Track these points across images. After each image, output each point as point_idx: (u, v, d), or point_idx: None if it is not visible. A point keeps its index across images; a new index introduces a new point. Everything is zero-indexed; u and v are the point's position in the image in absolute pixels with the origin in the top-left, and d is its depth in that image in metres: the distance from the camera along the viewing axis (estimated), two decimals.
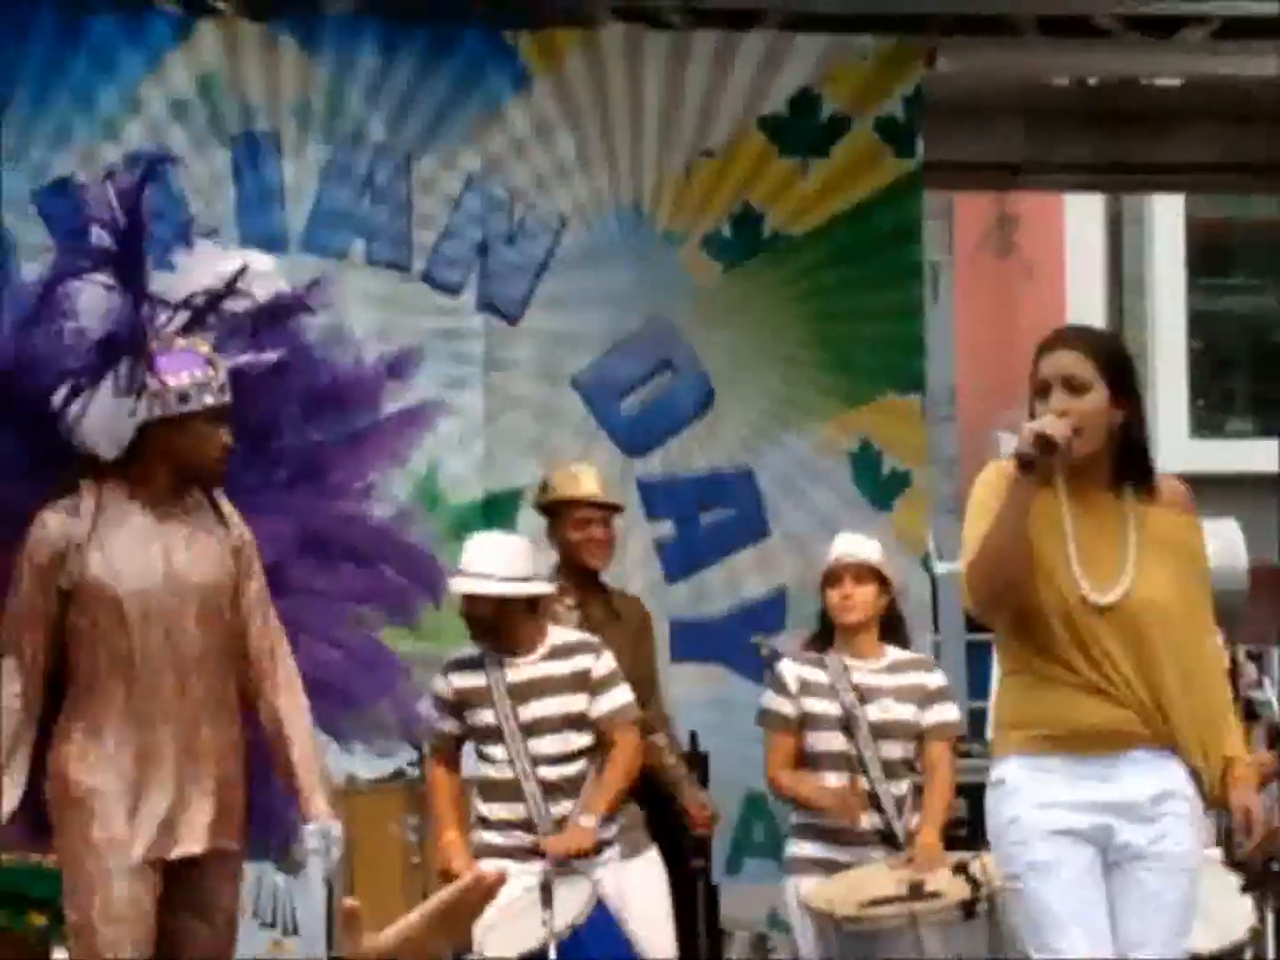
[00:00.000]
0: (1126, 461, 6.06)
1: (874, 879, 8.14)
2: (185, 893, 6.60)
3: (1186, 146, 12.46)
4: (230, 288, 6.71)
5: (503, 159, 11.04)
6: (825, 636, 8.75)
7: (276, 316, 6.85)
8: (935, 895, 7.85)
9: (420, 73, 10.94)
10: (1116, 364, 6.08)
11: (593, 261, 11.11)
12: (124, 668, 6.54)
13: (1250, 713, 9.35)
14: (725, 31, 11.09)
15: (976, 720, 12.99)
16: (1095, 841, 5.91)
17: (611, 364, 11.11)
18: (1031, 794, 5.90)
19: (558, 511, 9.06)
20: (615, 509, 9.23)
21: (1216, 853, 8.24)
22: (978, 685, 17.89)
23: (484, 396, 10.89)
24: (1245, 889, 8.33)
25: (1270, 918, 8.86)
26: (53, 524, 6.56)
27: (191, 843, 6.58)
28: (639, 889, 8.42)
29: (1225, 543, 9.57)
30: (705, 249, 11.15)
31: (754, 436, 11.11)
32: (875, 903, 7.94)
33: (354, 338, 7.38)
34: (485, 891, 3.12)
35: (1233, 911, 8.23)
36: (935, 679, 8.77)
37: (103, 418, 6.51)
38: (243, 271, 6.76)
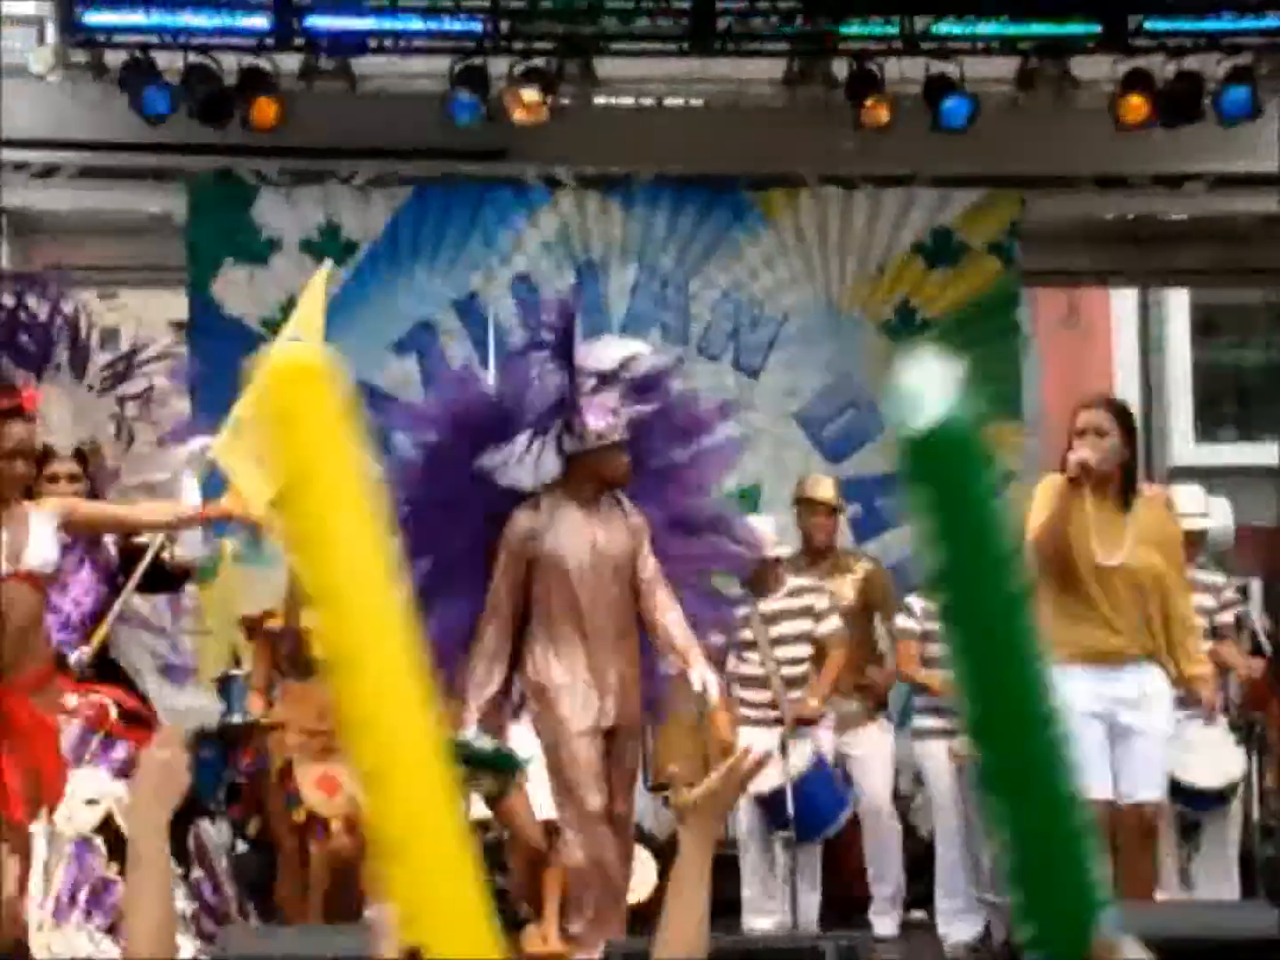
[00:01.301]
0: (1129, 479, 6.19)
1: None
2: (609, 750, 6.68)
3: (1193, 258, 12.36)
4: (623, 365, 6.76)
5: (744, 277, 11.08)
6: None
7: (650, 381, 6.86)
8: None
9: (696, 222, 11.04)
10: (1125, 420, 6.32)
11: (805, 340, 11.14)
12: (572, 610, 6.62)
13: (1238, 624, 9.10)
14: (883, 188, 11.07)
15: None
16: (1104, 720, 6.07)
17: (817, 405, 11.13)
18: (1063, 689, 5.98)
19: (803, 505, 8.79)
20: (837, 509, 8.90)
21: (1221, 719, 8.00)
22: None
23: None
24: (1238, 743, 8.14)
25: (1254, 765, 8.69)
26: (522, 519, 6.65)
27: (613, 718, 6.67)
28: (863, 747, 8.34)
29: (1222, 512, 9.35)
30: (880, 330, 11.16)
31: None
32: None
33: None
34: (754, 764, 3.04)
35: (1229, 759, 7.89)
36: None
37: (533, 458, 6.56)
38: (633, 357, 6.83)
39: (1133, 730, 6.17)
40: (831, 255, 11.13)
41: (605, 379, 6.65)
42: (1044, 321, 16.39)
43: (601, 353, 6.77)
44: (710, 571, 7.20)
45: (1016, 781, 2.76)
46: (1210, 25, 9.78)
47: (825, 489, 8.79)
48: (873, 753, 8.35)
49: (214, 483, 6.98)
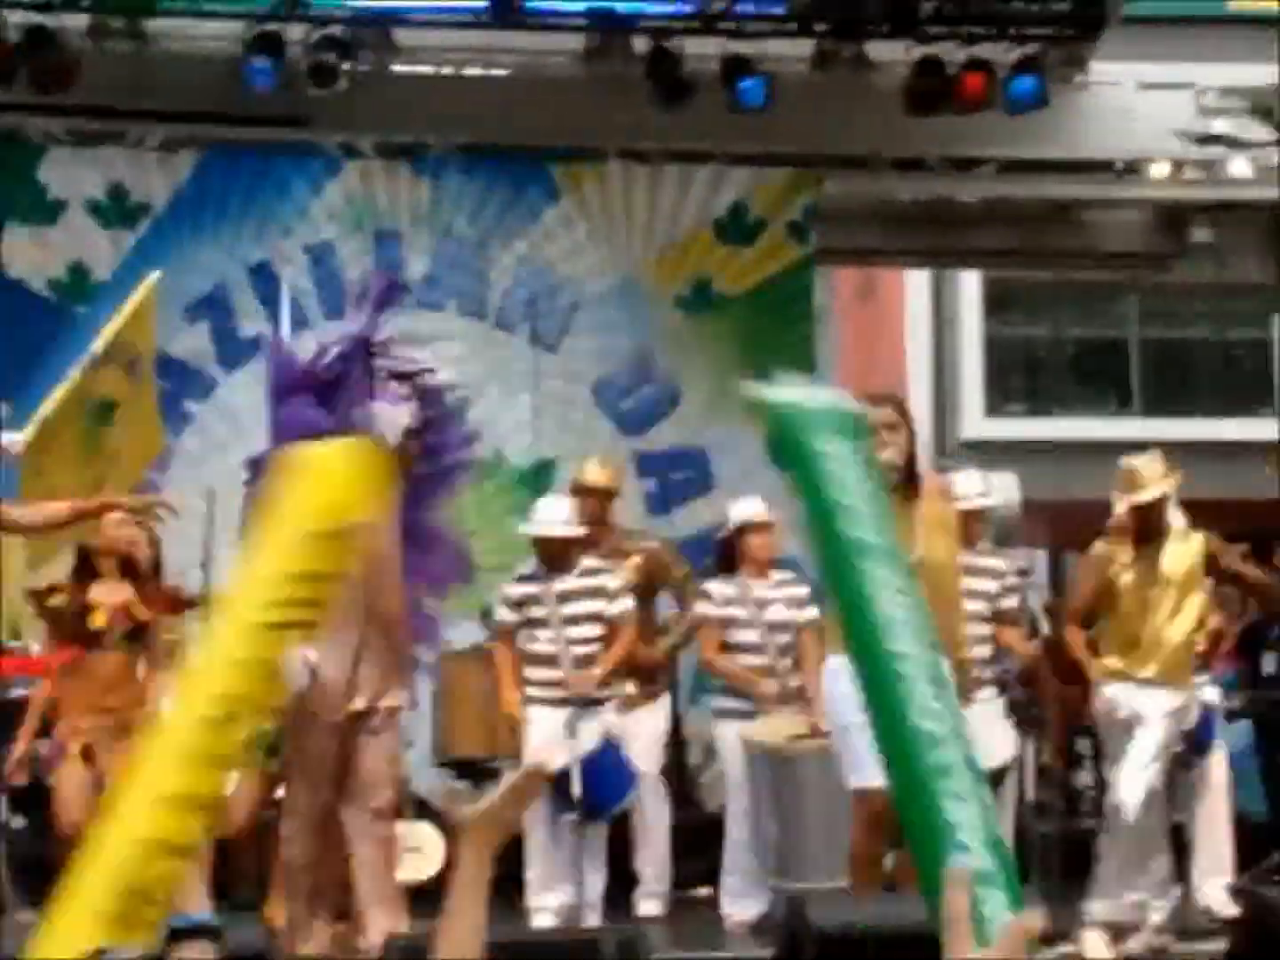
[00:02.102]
0: (912, 474, 6.41)
1: (789, 721, 7.83)
2: None
3: (986, 240, 12.58)
4: (421, 372, 6.73)
5: (543, 249, 11.07)
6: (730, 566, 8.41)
7: (433, 396, 6.82)
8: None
9: (496, 193, 11.00)
10: (908, 415, 6.41)
11: (603, 314, 11.14)
12: None
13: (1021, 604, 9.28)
14: (685, 165, 11.15)
15: None
16: None
17: (615, 378, 11.15)
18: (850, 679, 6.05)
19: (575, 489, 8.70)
20: (610, 492, 8.75)
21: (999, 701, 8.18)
22: None
23: (530, 399, 10.90)
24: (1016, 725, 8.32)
25: (1031, 749, 8.95)
26: None
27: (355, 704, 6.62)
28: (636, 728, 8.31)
29: (1008, 487, 9.43)
30: (675, 305, 11.22)
31: (703, 425, 11.09)
32: (795, 738, 7.64)
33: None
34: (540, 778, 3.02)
35: (1002, 739, 7.97)
36: (803, 590, 8.29)
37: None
38: (430, 369, 6.79)
39: None
40: (631, 230, 11.16)
41: (401, 377, 6.63)
42: (841, 298, 16.66)
43: (409, 353, 6.74)
44: (423, 585, 7.01)
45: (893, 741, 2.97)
46: (1000, 13, 9.95)
47: (594, 474, 8.69)
48: (639, 733, 8.30)
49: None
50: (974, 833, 2.85)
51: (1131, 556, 7.42)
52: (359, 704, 6.55)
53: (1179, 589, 7.50)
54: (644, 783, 8.22)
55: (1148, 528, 7.36)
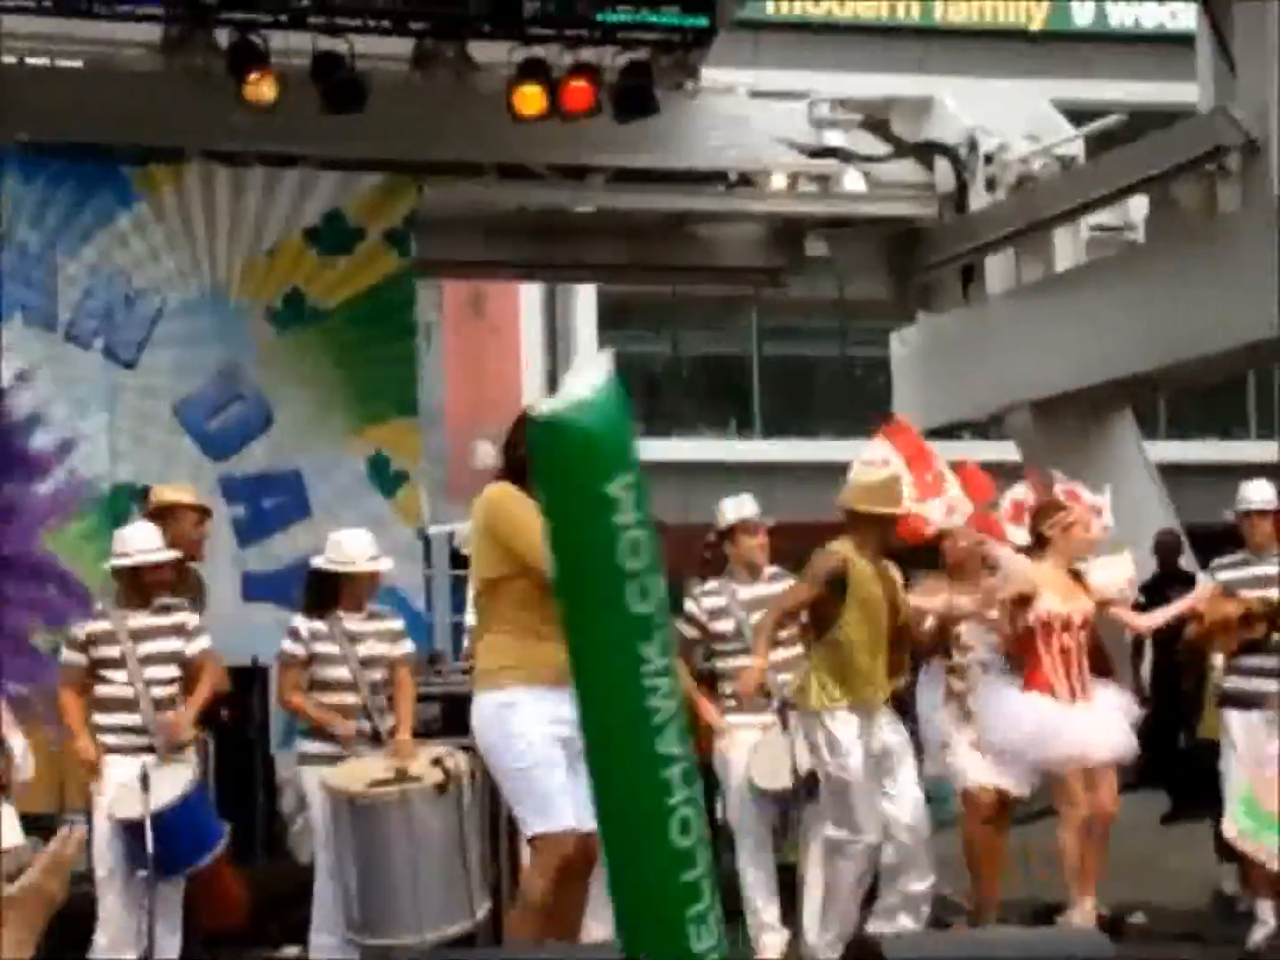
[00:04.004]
0: None
1: (373, 765, 7.66)
2: None
3: (598, 252, 12.63)
4: None
5: (119, 258, 10.69)
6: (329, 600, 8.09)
7: None
8: (417, 778, 7.41)
9: (67, 195, 10.57)
10: None
11: (187, 328, 10.82)
12: None
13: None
14: (273, 168, 10.92)
15: (459, 633, 12.74)
16: (566, 746, 5.93)
17: (201, 395, 10.84)
18: (535, 712, 5.94)
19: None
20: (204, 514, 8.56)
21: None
22: (459, 605, 18.12)
23: (107, 418, 10.54)
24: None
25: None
26: None
27: None
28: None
29: None
30: (266, 318, 10.96)
31: (300, 447, 10.90)
32: (377, 783, 7.50)
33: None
34: (76, 843, 2.92)
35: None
36: (397, 624, 8.11)
37: None
38: None
39: None
40: (215, 236, 10.86)
41: None
42: (449, 312, 16.58)
43: None
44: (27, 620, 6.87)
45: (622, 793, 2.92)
46: (608, 18, 9.97)
47: (178, 492, 8.57)
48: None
49: None
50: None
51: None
52: None
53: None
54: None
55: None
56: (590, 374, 2.84)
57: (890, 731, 7.54)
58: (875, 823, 7.48)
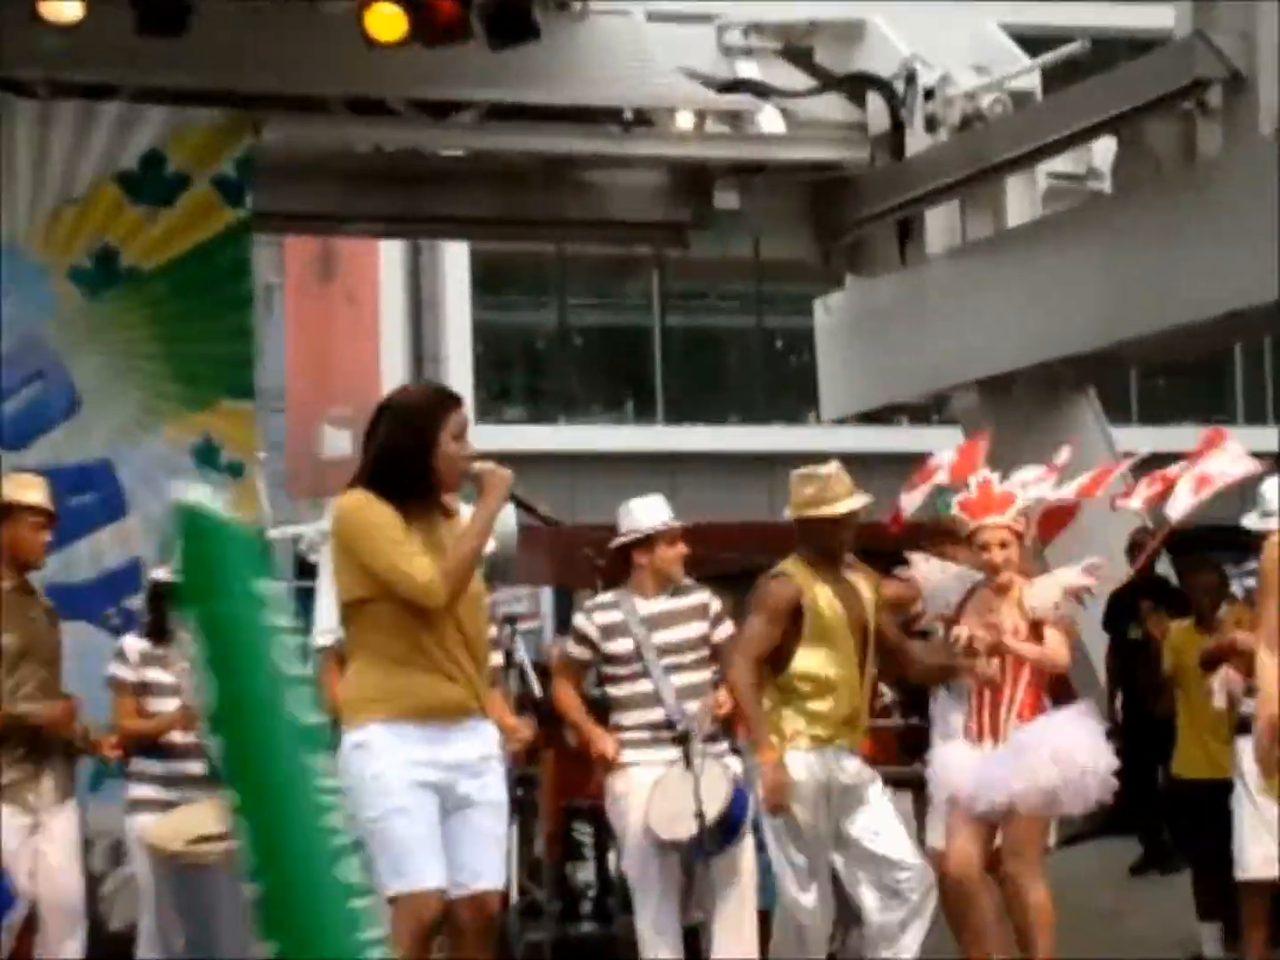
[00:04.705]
0: None
1: (201, 816, 7.58)
2: None
3: (469, 204, 12.50)
4: None
5: None
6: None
7: None
8: None
9: None
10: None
11: None
12: None
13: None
14: (85, 101, 10.73)
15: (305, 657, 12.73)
16: (440, 792, 5.88)
17: None
18: (393, 753, 5.83)
19: None
20: None
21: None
22: (307, 624, 17.88)
23: None
24: None
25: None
26: None
27: None
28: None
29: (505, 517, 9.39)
30: (71, 280, 10.79)
31: (114, 436, 10.78)
32: (201, 839, 7.46)
33: None
34: None
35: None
36: None
37: None
38: None
39: (474, 803, 6.03)
40: (13, 182, 10.66)
41: None
42: (293, 275, 16.42)
43: None
44: None
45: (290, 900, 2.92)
46: None
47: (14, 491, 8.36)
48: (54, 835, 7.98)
49: None
50: None
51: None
52: None
53: None
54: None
55: None
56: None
57: (857, 772, 7.48)
58: (823, 893, 7.42)
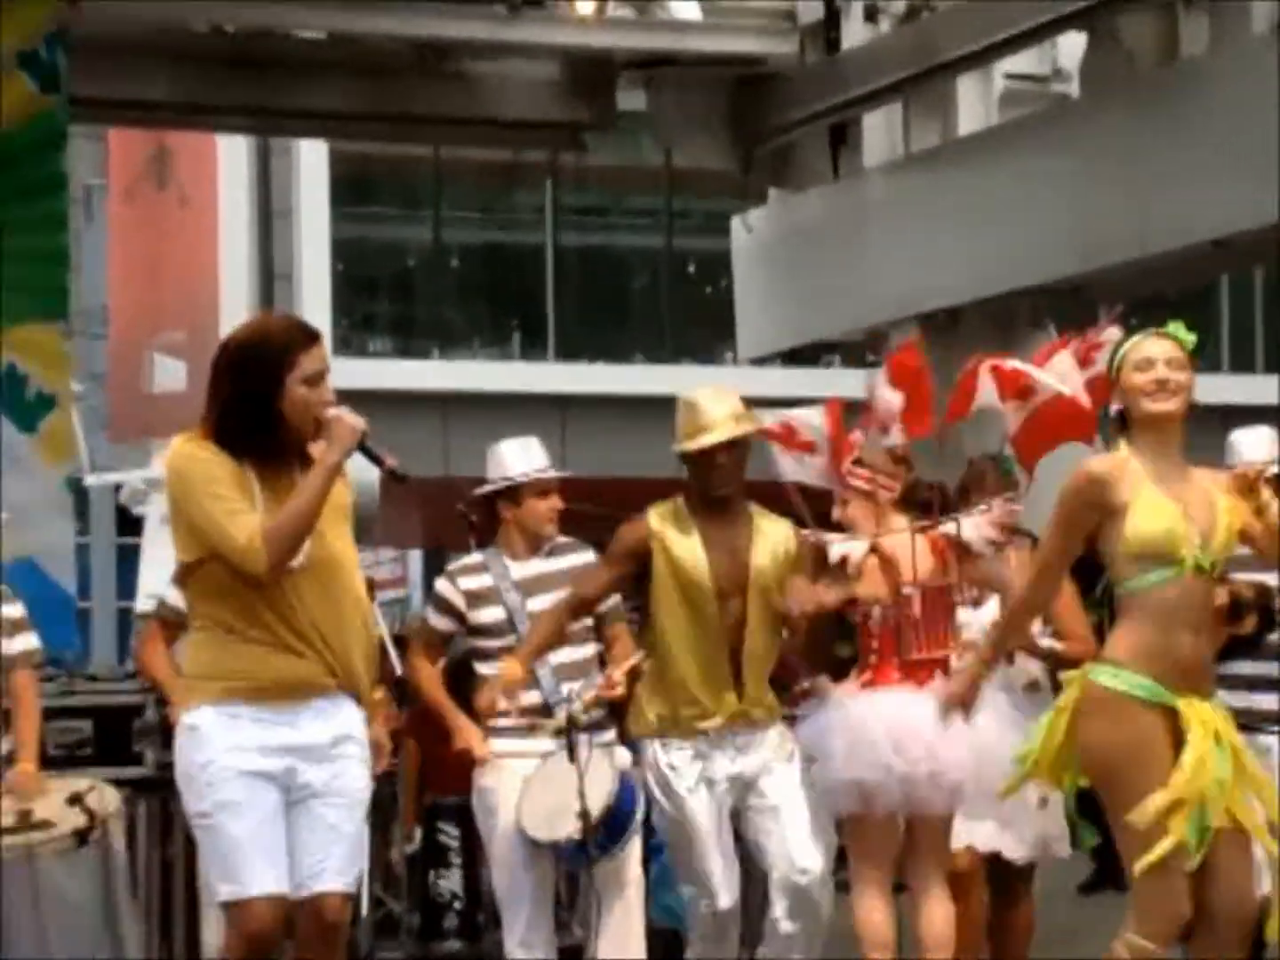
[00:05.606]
0: None
1: None
2: None
3: (328, 96, 12.50)
4: None
5: None
6: None
7: None
8: (47, 824, 7.40)
9: None
10: None
11: None
12: None
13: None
14: None
15: (126, 624, 12.72)
16: (280, 782, 5.91)
17: None
18: (223, 739, 5.87)
19: None
20: None
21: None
22: (127, 587, 17.97)
23: None
24: None
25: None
26: None
27: None
28: None
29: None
30: None
31: None
32: None
33: None
34: None
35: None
36: (15, 610, 8.18)
37: None
38: None
39: (320, 794, 6.08)
40: None
41: None
42: (118, 173, 16.36)
43: None
44: None
45: None
46: None
47: None
48: None
49: None
50: None
51: None
52: None
53: None
54: None
55: None
56: None
57: (750, 757, 7.57)
58: (729, 881, 7.55)
